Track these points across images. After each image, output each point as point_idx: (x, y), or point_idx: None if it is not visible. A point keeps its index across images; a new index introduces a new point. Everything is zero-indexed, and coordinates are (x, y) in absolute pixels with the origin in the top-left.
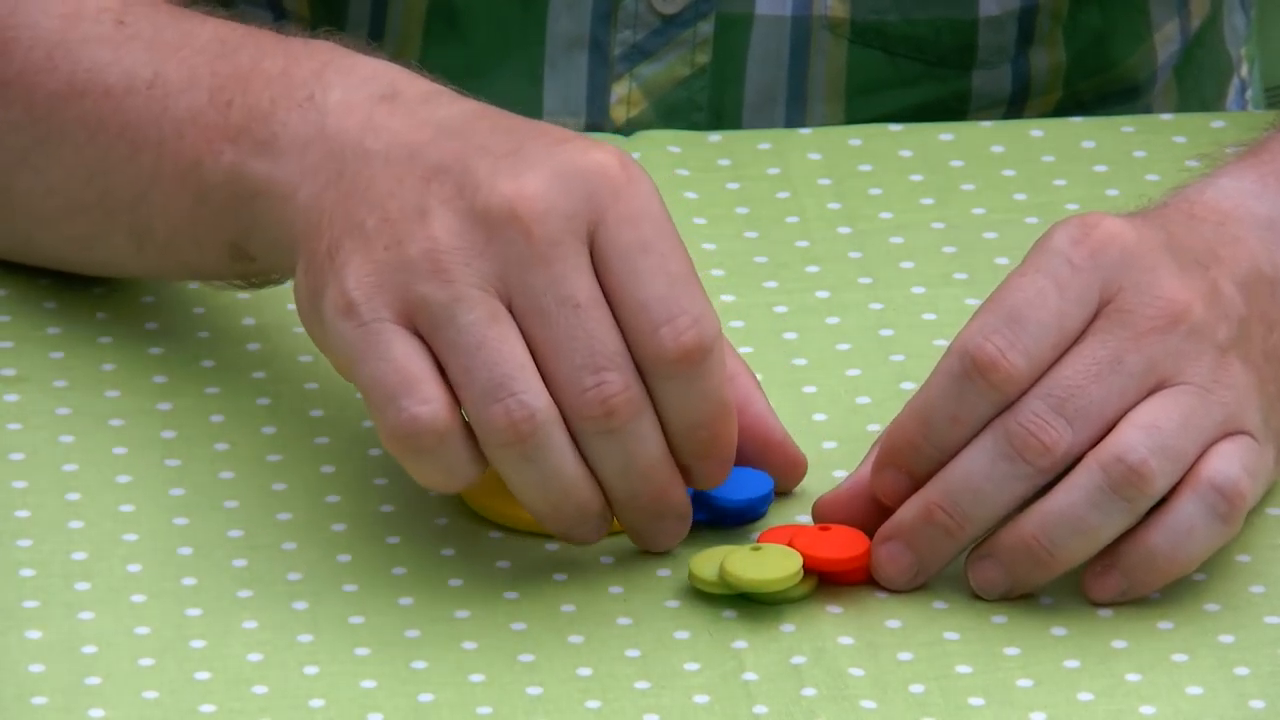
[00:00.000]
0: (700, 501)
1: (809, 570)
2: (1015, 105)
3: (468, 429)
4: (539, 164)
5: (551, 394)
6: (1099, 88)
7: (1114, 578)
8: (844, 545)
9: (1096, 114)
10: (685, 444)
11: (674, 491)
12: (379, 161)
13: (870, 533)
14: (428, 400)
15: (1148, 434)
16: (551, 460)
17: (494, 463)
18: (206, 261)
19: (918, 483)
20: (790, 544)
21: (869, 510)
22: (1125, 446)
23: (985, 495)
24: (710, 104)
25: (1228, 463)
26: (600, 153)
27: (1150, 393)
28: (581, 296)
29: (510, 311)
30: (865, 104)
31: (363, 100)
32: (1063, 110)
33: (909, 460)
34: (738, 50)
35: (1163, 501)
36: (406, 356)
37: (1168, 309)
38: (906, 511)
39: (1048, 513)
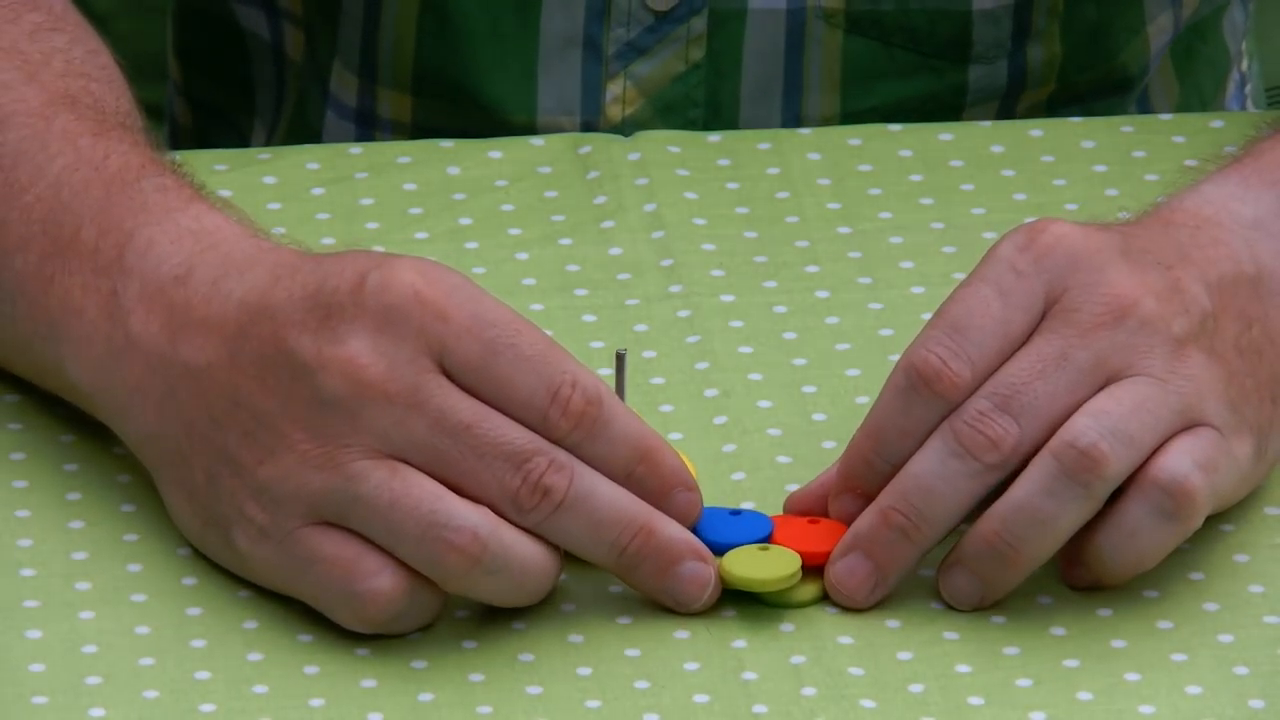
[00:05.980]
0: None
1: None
2: (1010, 98)
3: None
4: (354, 319)
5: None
6: (1093, 80)
7: (1080, 569)
8: (827, 538)
9: (1090, 105)
10: (637, 487)
11: (662, 528)
12: (205, 376)
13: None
14: (377, 571)
15: (1097, 419)
16: (515, 560)
17: (464, 592)
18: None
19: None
20: (776, 534)
21: None
22: (1076, 432)
23: (939, 494)
24: (706, 99)
25: (1177, 460)
26: (402, 277)
27: (1102, 387)
28: (467, 417)
29: (409, 464)
30: (861, 95)
31: (158, 291)
32: (1056, 100)
33: (864, 479)
34: (732, 45)
35: (1114, 499)
36: (336, 546)
37: (1114, 304)
38: (862, 522)
39: (1005, 509)
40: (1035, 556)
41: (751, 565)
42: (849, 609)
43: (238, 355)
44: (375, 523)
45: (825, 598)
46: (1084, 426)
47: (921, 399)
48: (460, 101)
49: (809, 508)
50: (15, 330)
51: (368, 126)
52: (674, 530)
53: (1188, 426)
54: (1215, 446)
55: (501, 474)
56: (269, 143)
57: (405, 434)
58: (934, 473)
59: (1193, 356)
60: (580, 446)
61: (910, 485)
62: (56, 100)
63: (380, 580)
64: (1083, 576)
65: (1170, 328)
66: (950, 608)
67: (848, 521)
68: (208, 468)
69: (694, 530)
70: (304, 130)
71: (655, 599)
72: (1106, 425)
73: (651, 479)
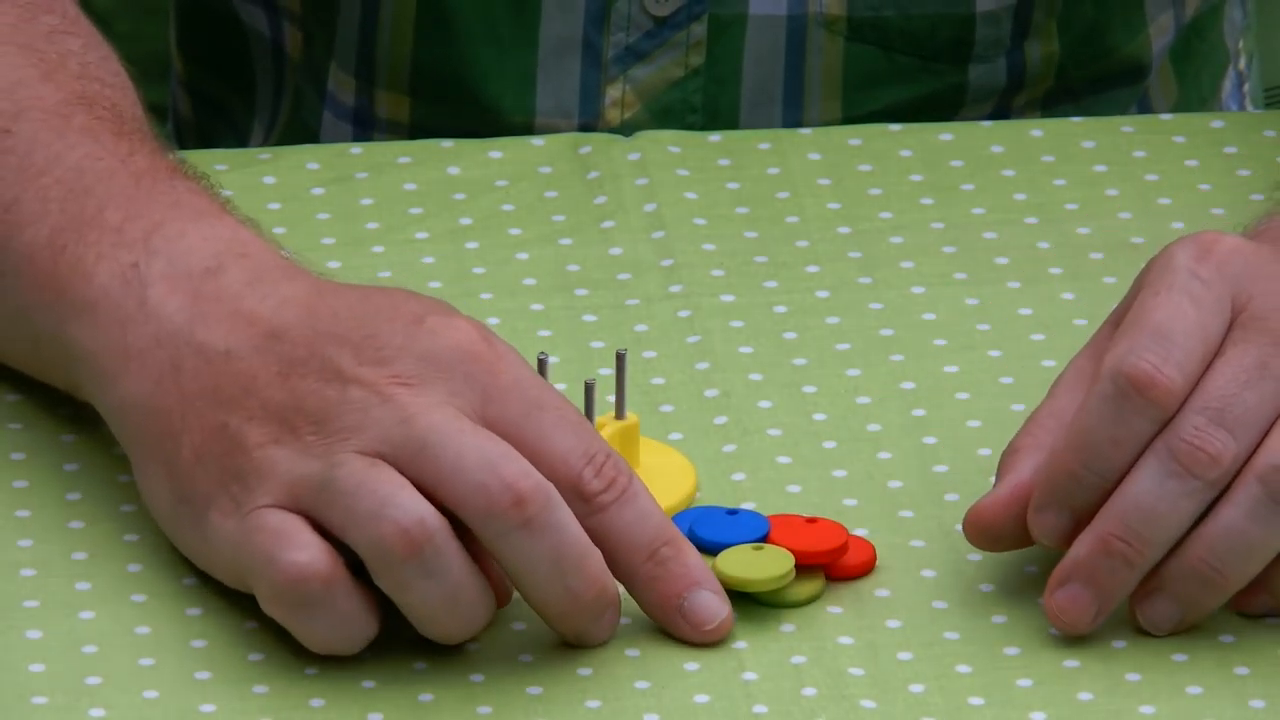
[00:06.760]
0: (698, 545)
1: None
2: (1008, 95)
3: (355, 581)
4: (403, 349)
5: (454, 513)
6: (1092, 77)
7: (1263, 596)
8: (824, 538)
9: (1089, 102)
10: (656, 567)
11: (610, 584)
12: (221, 359)
13: (1027, 539)
14: (305, 546)
15: None
16: (453, 569)
17: (392, 589)
18: (57, 384)
19: (1079, 520)
20: (772, 534)
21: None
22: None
23: (1159, 516)
24: (705, 105)
25: None
26: (460, 329)
27: None
28: (466, 425)
29: (398, 468)
30: (862, 100)
31: (185, 276)
32: (1054, 97)
33: (1070, 494)
34: (732, 51)
35: None
36: (280, 520)
37: None
38: (1080, 549)
39: (1212, 534)
40: (1239, 581)
41: (744, 565)
42: (1072, 636)
43: (265, 351)
44: (336, 503)
45: (821, 597)
46: None
47: (1133, 407)
48: (458, 103)
49: (998, 517)
50: (12, 301)
51: (365, 127)
52: (614, 587)
53: None
54: None
55: (477, 474)
56: (266, 142)
57: (405, 436)
58: (1153, 494)
59: None
60: (609, 509)
61: (1129, 509)
62: (73, 100)
63: (304, 554)
64: (1265, 604)
65: None
66: (952, 608)
67: (1052, 537)
68: (199, 445)
69: (691, 529)
70: (301, 130)
71: (570, 638)
72: None
73: (676, 563)
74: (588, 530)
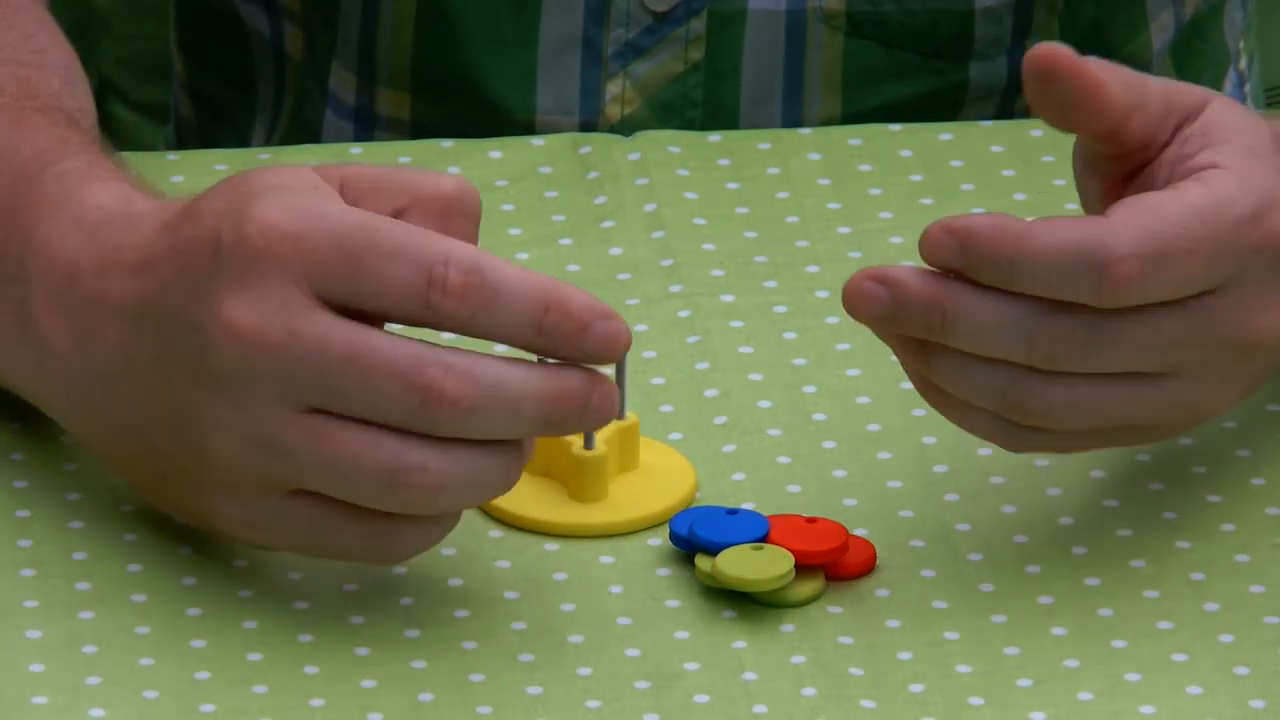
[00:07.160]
0: (698, 545)
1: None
2: (1010, 94)
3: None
4: (220, 275)
5: (398, 427)
6: None
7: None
8: (823, 538)
9: None
10: (551, 337)
11: (569, 382)
12: (116, 378)
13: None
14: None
15: None
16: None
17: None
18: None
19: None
20: (772, 534)
21: None
22: None
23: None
24: (705, 101)
25: None
26: (248, 229)
27: None
28: (343, 348)
29: (320, 411)
30: (862, 96)
31: (56, 296)
32: None
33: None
34: (732, 46)
35: None
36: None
37: None
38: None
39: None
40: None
41: (744, 565)
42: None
43: (136, 355)
44: (333, 487)
45: (821, 597)
46: None
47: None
48: (460, 100)
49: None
50: None
51: (366, 125)
52: (572, 384)
53: None
54: None
55: (398, 394)
56: (268, 142)
57: (299, 384)
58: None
59: None
60: (475, 320)
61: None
62: None
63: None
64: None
65: None
66: (952, 608)
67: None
68: (158, 470)
69: (691, 529)
70: (303, 129)
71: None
72: None
73: (565, 322)
74: (467, 335)
